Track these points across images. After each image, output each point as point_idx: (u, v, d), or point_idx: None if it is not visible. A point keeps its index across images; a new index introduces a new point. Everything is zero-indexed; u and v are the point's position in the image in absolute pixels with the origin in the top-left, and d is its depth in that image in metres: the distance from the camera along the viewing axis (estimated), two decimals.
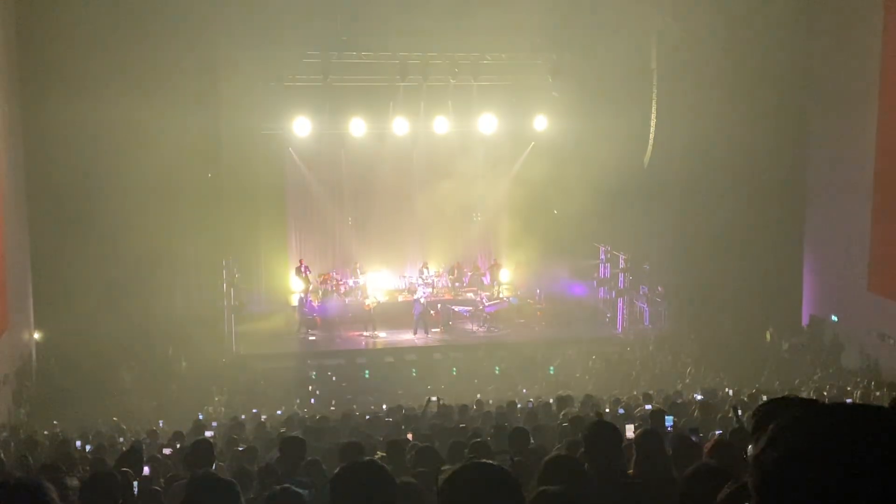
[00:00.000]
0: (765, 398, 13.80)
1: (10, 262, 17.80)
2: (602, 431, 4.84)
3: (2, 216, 17.13)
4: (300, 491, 4.14)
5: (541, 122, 25.78)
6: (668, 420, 9.26)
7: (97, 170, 19.77)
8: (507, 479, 2.57)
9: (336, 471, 3.12)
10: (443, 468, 2.78)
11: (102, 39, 19.21)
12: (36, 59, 19.18)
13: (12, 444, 12.66)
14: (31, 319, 20.06)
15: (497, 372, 21.43)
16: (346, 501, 3.02)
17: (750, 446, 3.14)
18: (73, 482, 6.88)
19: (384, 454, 6.95)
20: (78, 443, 12.50)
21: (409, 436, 9.72)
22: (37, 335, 20.11)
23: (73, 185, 19.66)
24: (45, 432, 14.31)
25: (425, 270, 26.73)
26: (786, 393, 15.04)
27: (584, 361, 21.57)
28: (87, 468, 8.72)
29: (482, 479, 2.54)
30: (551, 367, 21.64)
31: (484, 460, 2.71)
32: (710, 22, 21.12)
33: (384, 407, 15.99)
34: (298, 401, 19.10)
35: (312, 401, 19.19)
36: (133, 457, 7.89)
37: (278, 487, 4.16)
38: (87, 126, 19.35)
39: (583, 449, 5.03)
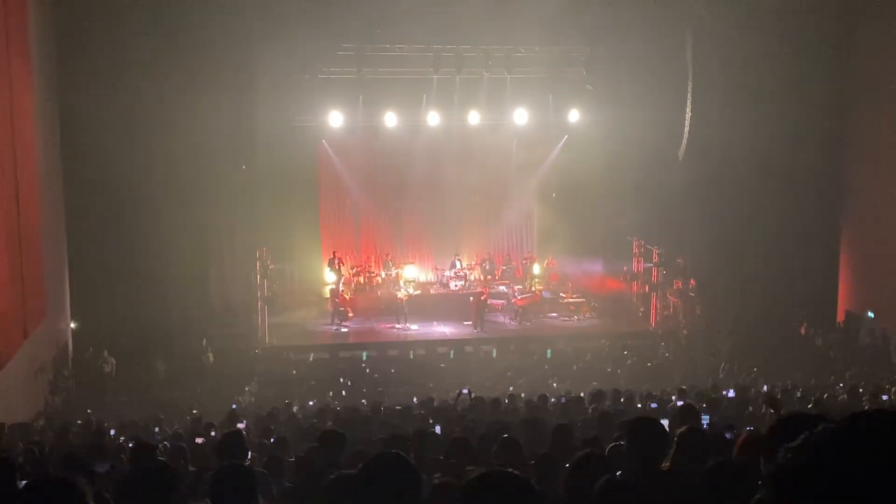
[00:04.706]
0: (799, 394, 13.68)
1: (47, 253, 18.04)
2: (646, 427, 4.80)
3: (39, 207, 17.35)
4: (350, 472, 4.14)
5: (574, 115, 25.65)
6: (704, 418, 9.14)
7: (133, 161, 19.94)
8: (530, 491, 2.56)
9: (363, 463, 3.12)
10: (467, 468, 2.77)
11: (140, 31, 19.37)
12: (73, 52, 19.36)
13: (49, 432, 12.85)
14: (68, 309, 20.31)
15: (549, 356, 21.47)
16: (371, 492, 3.02)
17: (763, 458, 3.09)
18: (104, 467, 6.98)
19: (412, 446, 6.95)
20: (112, 431, 12.65)
21: (437, 429, 9.72)
22: (73, 325, 20.36)
23: (110, 177, 19.84)
24: (79, 421, 14.48)
25: (458, 263, 26.74)
26: (820, 389, 14.87)
27: (617, 356, 21.46)
28: (123, 456, 8.82)
29: (504, 489, 2.53)
30: (548, 351, 21.66)
31: (509, 469, 2.70)
32: (746, 14, 20.88)
33: (415, 399, 16.00)
34: (331, 393, 19.19)
35: (344, 392, 19.26)
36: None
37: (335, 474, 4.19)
38: (124, 117, 19.55)
39: (623, 443, 5.01)
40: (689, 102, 22.72)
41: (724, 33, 21.46)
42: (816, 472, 1.49)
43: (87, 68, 19.30)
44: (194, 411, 15.57)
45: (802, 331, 22.57)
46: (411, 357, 21.98)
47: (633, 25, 22.50)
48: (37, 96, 17.35)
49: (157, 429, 13.37)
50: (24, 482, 4.27)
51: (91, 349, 19.91)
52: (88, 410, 16.95)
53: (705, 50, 22.31)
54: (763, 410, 10.91)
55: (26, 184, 16.25)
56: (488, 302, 24.32)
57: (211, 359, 21.03)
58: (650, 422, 4.94)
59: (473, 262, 27.07)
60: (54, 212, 19.16)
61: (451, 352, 22.15)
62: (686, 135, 23.08)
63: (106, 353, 19.72)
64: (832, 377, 18.55)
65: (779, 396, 12.93)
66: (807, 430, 1.57)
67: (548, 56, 24.60)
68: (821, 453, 1.50)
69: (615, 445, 6.05)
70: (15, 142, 15.45)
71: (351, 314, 24.40)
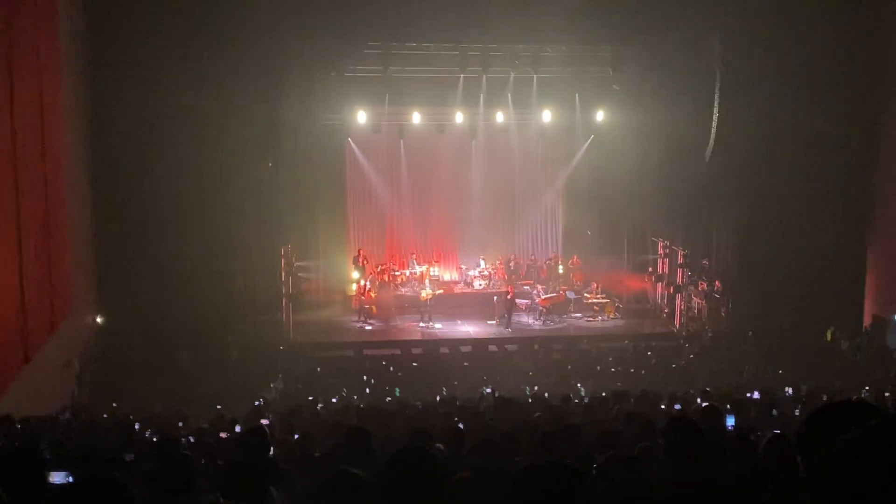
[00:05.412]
0: (824, 398, 13.54)
1: (75, 248, 18.20)
2: (684, 428, 4.79)
3: (67, 202, 17.51)
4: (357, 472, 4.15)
5: (601, 115, 25.57)
6: (730, 419, 9.08)
7: (161, 157, 20.11)
8: (580, 482, 2.55)
9: (390, 458, 3.13)
10: (516, 459, 2.78)
11: (168, 29, 19.50)
12: (103, 48, 19.50)
13: (75, 425, 12.97)
14: (95, 303, 20.49)
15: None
16: (399, 488, 3.02)
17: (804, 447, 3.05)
18: (130, 456, 7.08)
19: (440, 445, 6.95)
20: (137, 425, 12.75)
21: (461, 426, 9.71)
22: (99, 319, 20.54)
23: (137, 172, 20.02)
24: (105, 415, 14.62)
25: (481, 262, 26.75)
26: (845, 394, 14.70)
27: (641, 356, 21.35)
28: (147, 449, 8.89)
29: (555, 478, 2.52)
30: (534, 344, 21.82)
31: (562, 461, 2.69)
32: (774, 13, 20.70)
33: (438, 398, 16.01)
34: (354, 390, 19.24)
35: (367, 390, 19.31)
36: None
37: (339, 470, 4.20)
38: (152, 114, 19.70)
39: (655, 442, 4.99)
40: (716, 103, 22.57)
41: (753, 34, 21.29)
42: (881, 462, 1.44)
43: (117, 65, 19.46)
44: (218, 407, 15.67)
45: (829, 335, 22.34)
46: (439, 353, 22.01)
47: (660, 25, 22.36)
48: (66, 91, 17.51)
49: (181, 423, 13.47)
50: (63, 477, 4.34)
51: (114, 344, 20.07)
52: (114, 405, 17.11)
53: (733, 51, 22.13)
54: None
55: (54, 179, 16.41)
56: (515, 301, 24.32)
57: (236, 355, 21.15)
58: (688, 424, 4.91)
59: (498, 262, 27.05)
60: (82, 207, 19.33)
61: (470, 351, 22.17)
62: (713, 136, 22.92)
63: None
64: (857, 381, 18.35)
65: (803, 399, 12.83)
66: (854, 421, 1.53)
67: (574, 55, 24.51)
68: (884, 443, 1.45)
69: (646, 446, 6.01)
70: (44, 136, 15.61)
71: (375, 312, 24.46)
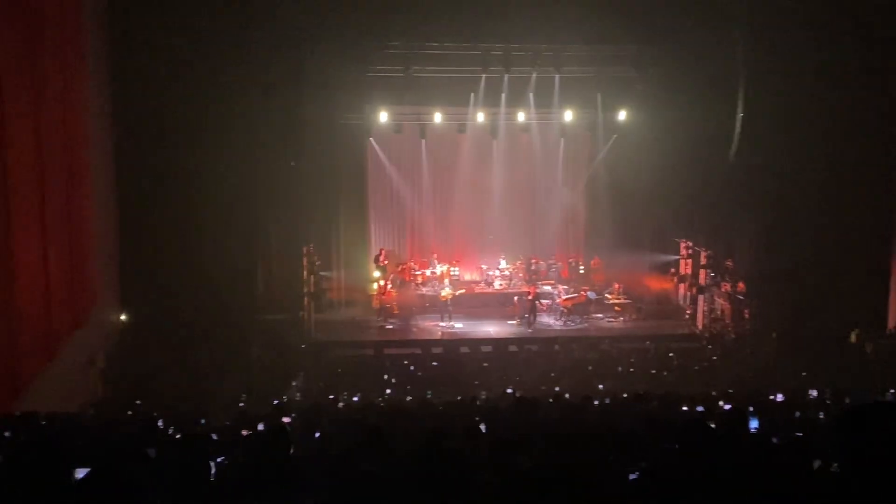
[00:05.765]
0: (847, 401, 13.40)
1: (99, 244, 18.32)
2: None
3: (92, 198, 17.63)
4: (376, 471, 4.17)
5: (623, 115, 25.48)
6: (753, 422, 9.00)
7: (184, 154, 20.23)
8: None
9: (413, 456, 3.13)
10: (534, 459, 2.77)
11: (191, 27, 19.59)
12: (126, 44, 19.58)
13: (100, 421, 13.05)
14: (118, 300, 20.62)
15: None
16: (418, 487, 3.03)
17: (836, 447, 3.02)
18: (152, 452, 7.14)
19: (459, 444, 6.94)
20: (160, 422, 12.81)
21: (483, 427, 9.70)
22: (123, 315, 20.68)
23: (162, 168, 20.17)
24: (129, 412, 14.71)
25: (503, 261, 26.73)
26: (870, 396, 14.55)
27: (663, 358, 21.24)
28: (170, 445, 8.93)
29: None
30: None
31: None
32: (801, 8, 20.52)
33: (458, 398, 15.99)
34: (375, 389, 19.26)
35: (388, 390, 19.33)
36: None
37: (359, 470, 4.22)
38: (175, 110, 19.84)
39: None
40: (740, 102, 22.41)
41: (779, 32, 21.12)
42: None
43: (140, 62, 19.58)
44: (240, 404, 15.73)
45: (853, 337, 22.11)
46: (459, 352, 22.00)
47: (683, 24, 22.24)
48: (91, 87, 17.63)
49: (203, 421, 13.53)
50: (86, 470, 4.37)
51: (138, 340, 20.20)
52: (138, 402, 17.22)
53: (758, 48, 21.97)
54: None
55: (79, 174, 16.54)
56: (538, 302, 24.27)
57: (257, 353, 21.25)
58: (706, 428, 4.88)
59: (518, 262, 27.02)
60: (107, 203, 19.46)
61: (491, 351, 22.12)
62: (737, 134, 22.76)
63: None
64: (881, 385, 18.15)
65: (827, 401, 12.71)
66: (888, 423, 1.50)
67: (596, 55, 24.43)
68: None
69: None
70: (68, 131, 15.74)
71: (396, 311, 24.50)
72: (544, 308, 24.81)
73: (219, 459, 7.56)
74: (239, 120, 20.70)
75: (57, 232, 14.87)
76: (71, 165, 15.87)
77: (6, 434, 8.88)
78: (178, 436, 9.91)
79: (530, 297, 23.93)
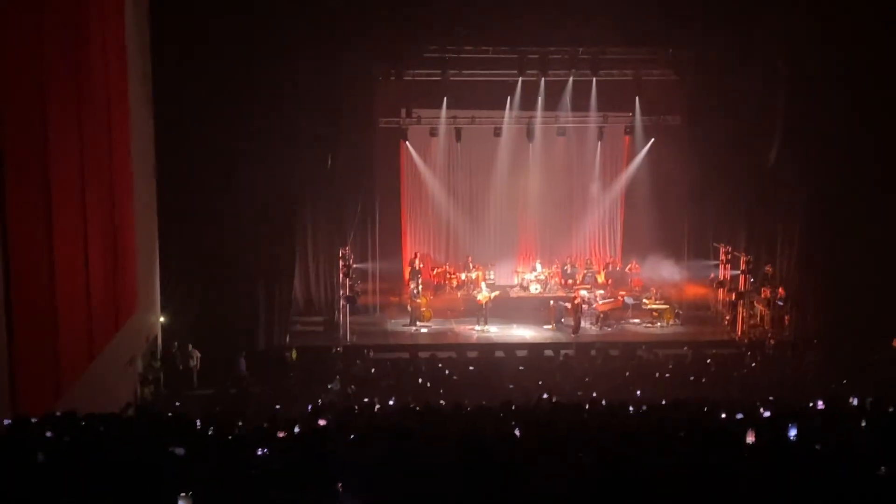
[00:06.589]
0: (891, 409, 13.14)
1: (140, 248, 18.51)
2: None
3: (133, 203, 17.82)
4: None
5: (661, 118, 25.33)
6: (792, 429, 8.86)
7: (222, 158, 20.41)
8: None
9: (455, 460, 3.11)
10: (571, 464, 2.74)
11: (230, 28, 19.70)
12: (167, 46, 19.72)
13: (138, 423, 13.17)
14: (158, 303, 20.84)
15: None
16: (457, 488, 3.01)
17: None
18: (180, 451, 7.22)
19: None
20: (198, 422, 12.89)
21: (517, 431, 9.66)
22: (162, 318, 20.91)
23: (200, 173, 20.34)
24: (169, 414, 14.83)
25: (538, 265, 26.65)
26: None
27: (701, 364, 21.00)
28: (207, 446, 8.99)
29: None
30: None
31: None
32: (842, 10, 20.25)
33: (493, 402, 15.91)
34: (410, 392, 19.26)
35: (423, 393, 19.32)
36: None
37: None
38: (215, 115, 19.99)
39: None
40: (781, 105, 22.16)
41: (821, 34, 20.84)
42: None
43: (183, 68, 19.75)
44: (277, 406, 15.80)
45: (894, 343, 21.73)
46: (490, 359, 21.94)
47: (722, 27, 22.03)
48: (132, 97, 17.83)
49: (240, 423, 13.61)
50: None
51: (177, 343, 20.38)
52: (177, 403, 17.39)
53: (799, 51, 21.68)
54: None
55: (121, 180, 16.73)
56: (567, 306, 24.13)
57: (294, 355, 21.37)
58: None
59: (555, 266, 26.91)
60: (147, 208, 19.67)
61: (526, 354, 22.04)
62: (777, 139, 22.49)
63: (191, 346, 20.18)
64: None
65: (868, 409, 12.47)
66: None
67: (634, 58, 24.30)
68: None
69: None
70: (110, 132, 15.93)
71: (431, 315, 24.50)
72: (583, 313, 24.67)
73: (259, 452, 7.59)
74: (278, 124, 20.85)
75: (98, 238, 15.04)
76: (113, 174, 16.05)
77: (48, 434, 8.99)
78: (215, 436, 9.97)
79: (576, 302, 23.78)
